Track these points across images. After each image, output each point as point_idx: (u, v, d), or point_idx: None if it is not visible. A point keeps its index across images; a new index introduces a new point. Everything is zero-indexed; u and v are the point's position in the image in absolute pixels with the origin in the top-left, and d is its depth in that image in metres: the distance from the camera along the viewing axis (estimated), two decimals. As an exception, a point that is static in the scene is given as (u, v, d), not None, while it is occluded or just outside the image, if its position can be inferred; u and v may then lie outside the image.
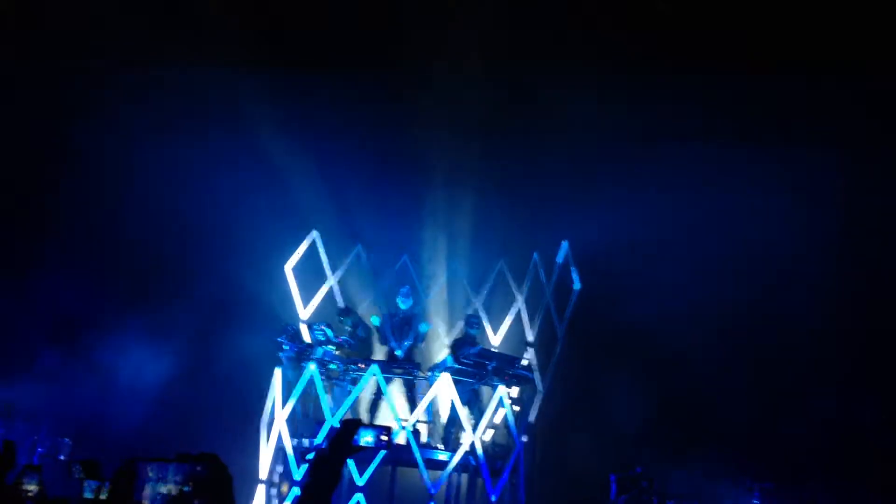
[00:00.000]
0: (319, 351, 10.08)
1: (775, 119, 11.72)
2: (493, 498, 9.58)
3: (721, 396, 11.00)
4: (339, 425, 4.81)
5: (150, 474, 7.71)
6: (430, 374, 10.29)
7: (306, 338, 10.68)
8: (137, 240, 12.13)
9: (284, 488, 10.15)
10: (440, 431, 10.66)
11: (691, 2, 11.16)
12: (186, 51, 11.60)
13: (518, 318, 11.56)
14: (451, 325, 11.72)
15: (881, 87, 10.98)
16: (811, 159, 11.55)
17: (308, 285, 11.47)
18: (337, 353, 10.37)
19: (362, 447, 4.90)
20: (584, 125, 11.38)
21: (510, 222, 11.97)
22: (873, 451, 10.48)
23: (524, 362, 10.54)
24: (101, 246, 12.23)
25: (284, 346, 10.24)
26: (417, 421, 10.15)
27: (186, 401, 11.40)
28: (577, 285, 11.16)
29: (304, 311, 11.32)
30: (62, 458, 10.12)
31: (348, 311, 11.09)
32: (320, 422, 9.91)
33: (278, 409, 10.16)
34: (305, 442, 10.02)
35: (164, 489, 6.63)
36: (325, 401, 9.95)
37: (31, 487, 6.41)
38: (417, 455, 9.62)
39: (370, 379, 10.14)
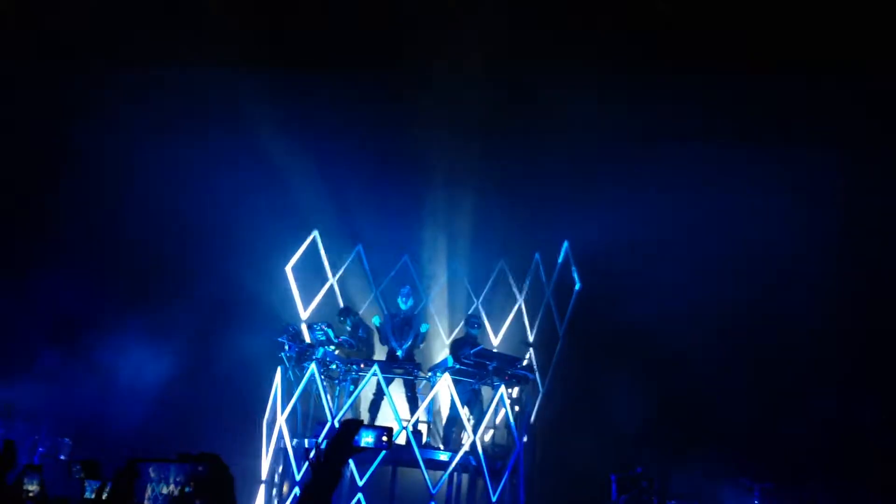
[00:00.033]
0: (320, 351, 10.09)
1: (775, 119, 11.71)
2: (494, 498, 9.59)
3: (721, 396, 10.99)
4: (339, 425, 4.79)
5: (152, 475, 7.75)
6: (430, 374, 10.30)
7: (307, 338, 10.68)
8: (138, 240, 12.12)
9: (285, 488, 10.16)
10: (440, 431, 10.67)
11: (691, 2, 11.14)
12: (186, 51, 11.58)
13: (518, 318, 11.56)
14: (451, 326, 11.72)
15: (881, 87, 10.97)
16: (811, 159, 11.55)
17: (308, 285, 11.47)
18: (337, 353, 10.38)
19: (363, 448, 4.89)
20: (584, 125, 11.37)
21: (510, 222, 11.98)
22: (873, 451, 10.47)
23: (524, 362, 10.54)
24: (102, 246, 12.23)
25: (285, 347, 10.24)
26: (418, 421, 10.15)
27: (187, 401, 11.39)
28: (577, 285, 11.15)
29: (305, 312, 11.32)
30: (62, 458, 10.12)
31: (348, 312, 11.10)
32: (321, 422, 9.91)
33: (279, 409, 10.17)
34: (306, 442, 10.03)
35: (165, 489, 6.66)
36: (326, 401, 9.95)
37: (32, 487, 6.41)
38: (418, 455, 9.62)
39: (371, 379, 10.15)
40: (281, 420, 10.14)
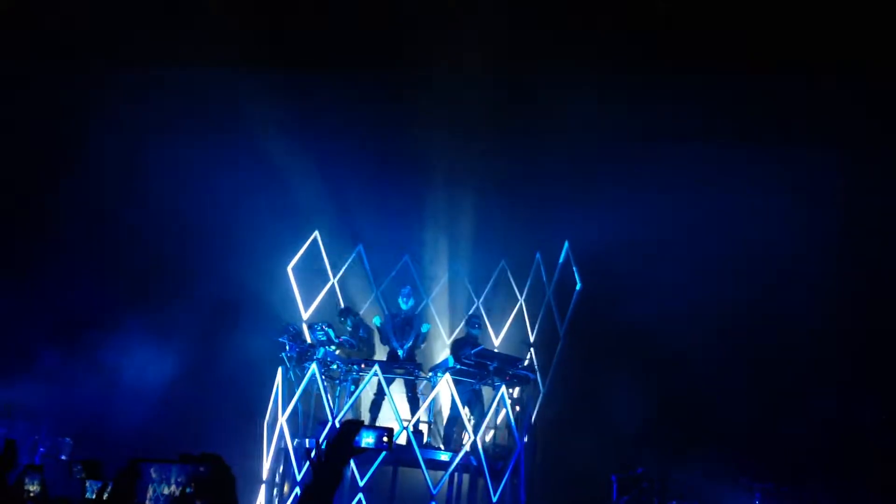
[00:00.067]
0: (321, 351, 10.09)
1: (775, 119, 11.70)
2: (494, 498, 9.59)
3: (721, 396, 10.98)
4: (340, 426, 4.80)
5: (154, 475, 7.75)
6: (431, 374, 10.30)
7: (308, 338, 10.69)
8: (138, 240, 12.13)
9: (286, 488, 10.17)
10: (441, 432, 10.67)
11: (691, 2, 11.14)
12: (186, 51, 11.59)
13: (519, 318, 11.56)
14: (452, 326, 11.73)
15: (881, 87, 10.97)
16: (811, 159, 11.55)
17: (309, 286, 11.48)
18: (338, 353, 10.39)
19: (364, 448, 4.90)
20: (584, 125, 11.37)
21: (511, 222, 11.98)
22: (873, 451, 10.47)
23: (525, 363, 10.55)
24: (102, 246, 12.23)
25: (286, 347, 10.24)
26: (419, 421, 10.16)
27: (188, 401, 11.39)
28: (578, 285, 11.15)
29: (306, 312, 11.32)
30: (63, 457, 10.12)
31: (348, 312, 11.11)
32: (322, 422, 9.91)
33: (280, 410, 10.17)
34: (307, 442, 10.03)
35: (166, 490, 6.67)
36: (327, 401, 9.95)
37: (33, 488, 6.42)
38: (419, 455, 9.63)
39: (372, 379, 10.15)
40: (282, 420, 10.14)
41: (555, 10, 11.16)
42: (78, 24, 11.57)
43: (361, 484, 9.53)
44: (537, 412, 10.80)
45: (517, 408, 10.41)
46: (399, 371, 10.45)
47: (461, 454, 9.72)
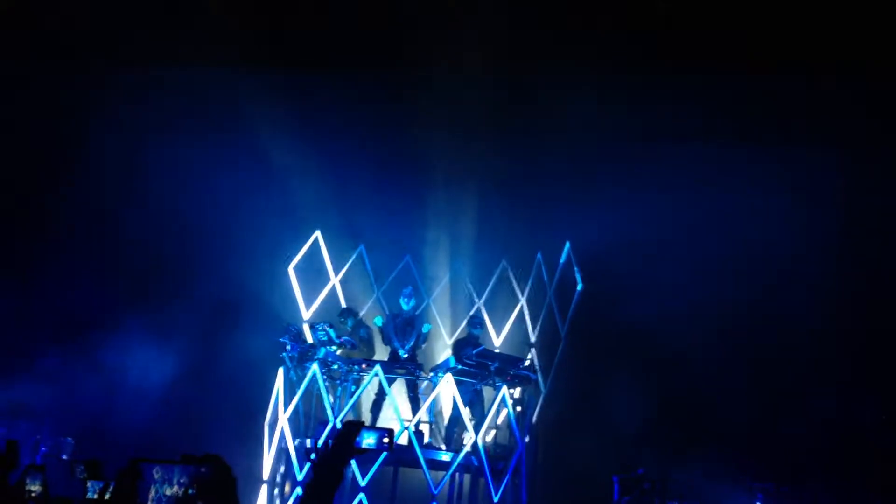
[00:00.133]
0: (322, 351, 10.09)
1: (775, 119, 11.71)
2: (496, 498, 9.59)
3: (721, 396, 10.98)
4: (341, 426, 4.81)
5: (156, 476, 7.75)
6: (432, 374, 10.30)
7: (309, 338, 10.68)
8: (138, 240, 12.13)
9: (287, 488, 10.17)
10: (442, 432, 10.68)
11: (691, 2, 11.15)
12: (186, 51, 11.59)
13: (520, 318, 11.56)
14: (453, 326, 11.73)
15: (881, 87, 10.98)
16: (811, 159, 11.55)
17: (310, 286, 11.47)
18: (339, 353, 10.39)
19: (364, 449, 4.91)
20: (584, 125, 11.38)
21: (512, 222, 11.98)
22: (873, 451, 10.48)
23: (526, 363, 10.55)
24: (103, 246, 12.24)
25: (287, 347, 10.24)
26: (420, 421, 10.17)
27: (189, 401, 11.39)
28: (579, 285, 11.14)
29: (307, 312, 11.32)
30: (65, 457, 10.11)
31: (349, 312, 11.11)
32: (323, 422, 9.91)
33: (281, 410, 10.17)
34: (308, 442, 10.03)
35: (168, 491, 6.66)
36: (328, 401, 9.95)
37: (35, 488, 6.41)
38: (420, 455, 9.63)
39: (373, 379, 10.16)
40: (283, 420, 10.14)
41: (555, 10, 11.16)
42: (78, 24, 11.57)
43: (362, 484, 9.54)
44: (538, 412, 10.80)
45: (518, 408, 10.41)
46: (400, 371, 10.45)
47: (462, 454, 9.72)
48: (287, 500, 10.06)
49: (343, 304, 11.49)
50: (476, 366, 10.02)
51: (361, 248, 11.76)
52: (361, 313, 11.49)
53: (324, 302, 11.50)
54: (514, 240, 11.91)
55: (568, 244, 11.38)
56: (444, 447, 10.31)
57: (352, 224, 11.96)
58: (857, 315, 11.14)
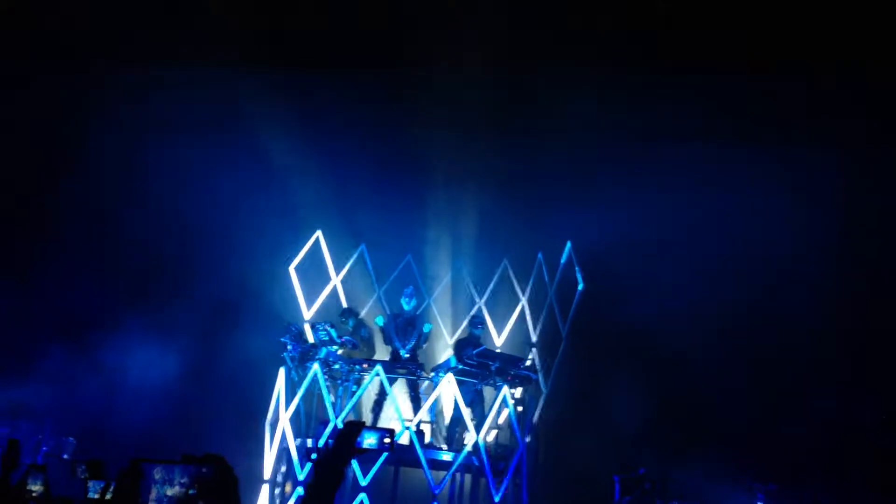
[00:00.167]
0: (323, 351, 10.09)
1: (775, 119, 11.73)
2: (497, 498, 9.57)
3: (721, 396, 11.00)
4: (342, 426, 4.82)
5: (157, 476, 7.71)
6: (433, 374, 10.30)
7: (310, 338, 10.69)
8: (140, 240, 12.15)
9: (288, 488, 10.17)
10: (443, 432, 10.68)
11: (691, 2, 11.16)
12: (186, 51, 11.60)
13: (521, 318, 11.56)
14: (454, 326, 11.73)
15: (881, 87, 10.99)
16: (811, 159, 11.57)
17: (311, 286, 11.47)
18: (340, 353, 10.39)
19: (365, 449, 4.91)
20: (584, 125, 11.39)
21: (513, 222, 11.98)
22: (873, 451, 10.49)
23: (527, 363, 10.55)
24: (103, 246, 12.25)
25: (288, 347, 10.23)
26: (421, 421, 10.17)
27: (190, 401, 11.40)
28: (580, 285, 11.14)
29: (308, 312, 11.32)
30: (66, 457, 10.11)
31: (350, 312, 11.11)
32: (324, 422, 9.92)
33: (282, 410, 10.18)
34: (309, 442, 10.04)
35: (169, 491, 6.64)
36: (329, 401, 9.95)
37: (36, 487, 6.41)
38: (421, 455, 9.62)
39: (374, 379, 10.16)
40: (284, 420, 10.14)
41: (555, 10, 11.18)
42: (78, 24, 11.59)
43: (364, 483, 9.54)
44: (539, 412, 10.80)
45: (519, 408, 10.41)
46: (401, 371, 10.44)
47: (463, 454, 9.72)
48: (288, 500, 10.06)
49: (344, 304, 11.48)
50: (477, 366, 10.02)
51: (363, 247, 11.75)
52: (362, 313, 11.48)
53: (325, 302, 11.49)
54: (514, 239, 11.91)
55: (569, 244, 11.36)
56: (445, 447, 10.31)
57: (353, 224, 11.95)
58: (857, 315, 11.16)
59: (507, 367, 10.15)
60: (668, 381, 11.26)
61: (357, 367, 10.22)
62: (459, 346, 10.52)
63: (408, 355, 10.58)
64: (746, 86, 11.45)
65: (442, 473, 9.87)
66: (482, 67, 11.22)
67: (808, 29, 10.70)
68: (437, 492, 9.58)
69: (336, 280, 11.61)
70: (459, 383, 9.95)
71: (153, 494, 6.30)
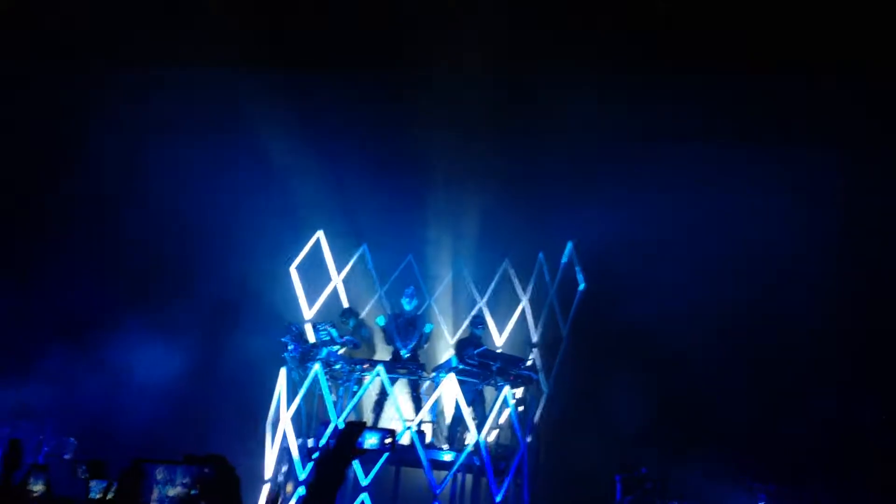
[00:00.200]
0: (324, 351, 10.09)
1: (775, 119, 11.74)
2: (498, 498, 9.57)
3: (721, 396, 11.00)
4: (343, 426, 4.83)
5: (159, 477, 7.72)
6: (434, 374, 10.30)
7: (311, 338, 10.69)
8: (140, 240, 12.14)
9: (289, 488, 10.17)
10: (444, 432, 10.68)
11: (691, 2, 11.17)
12: (186, 51, 11.60)
13: (522, 318, 11.56)
14: (455, 326, 11.73)
15: (881, 87, 11.00)
16: (811, 159, 11.58)
17: (312, 286, 11.47)
18: (341, 353, 10.39)
19: (366, 449, 4.92)
20: (584, 125, 11.39)
21: (514, 222, 11.98)
22: (873, 451, 10.50)
23: (528, 363, 10.56)
24: (103, 246, 12.24)
25: (289, 347, 10.23)
26: (422, 421, 10.17)
27: (191, 401, 11.40)
28: (581, 285, 11.14)
29: (309, 312, 11.32)
30: (68, 457, 10.11)
31: (350, 312, 11.11)
32: (325, 422, 9.92)
33: (283, 410, 10.17)
34: (310, 442, 10.04)
35: (171, 492, 6.66)
36: (330, 401, 9.95)
37: (38, 487, 6.43)
38: (422, 455, 9.61)
39: (375, 379, 10.16)
40: (286, 420, 10.14)
41: (555, 10, 11.18)
42: (78, 24, 11.59)
43: (365, 483, 9.54)
44: (540, 412, 10.80)
45: (520, 408, 10.41)
46: (402, 371, 10.43)
47: (464, 454, 9.72)
48: (289, 500, 10.06)
49: (345, 304, 11.48)
50: (478, 366, 10.02)
51: (364, 247, 11.74)
52: (363, 313, 11.48)
53: (326, 302, 11.48)
54: (515, 239, 11.90)
55: (570, 244, 11.36)
56: (446, 447, 10.31)
57: (353, 224, 11.95)
58: (857, 315, 11.17)
59: (508, 367, 10.15)
60: (669, 381, 11.26)
61: (358, 367, 10.22)
62: (460, 346, 10.52)
63: (409, 355, 10.58)
64: (746, 86, 11.46)
65: (443, 473, 9.87)
66: (482, 67, 11.22)
67: (808, 29, 10.71)
68: (438, 492, 9.58)
69: (337, 280, 11.60)
70: (460, 383, 9.95)
71: (155, 495, 6.32)
